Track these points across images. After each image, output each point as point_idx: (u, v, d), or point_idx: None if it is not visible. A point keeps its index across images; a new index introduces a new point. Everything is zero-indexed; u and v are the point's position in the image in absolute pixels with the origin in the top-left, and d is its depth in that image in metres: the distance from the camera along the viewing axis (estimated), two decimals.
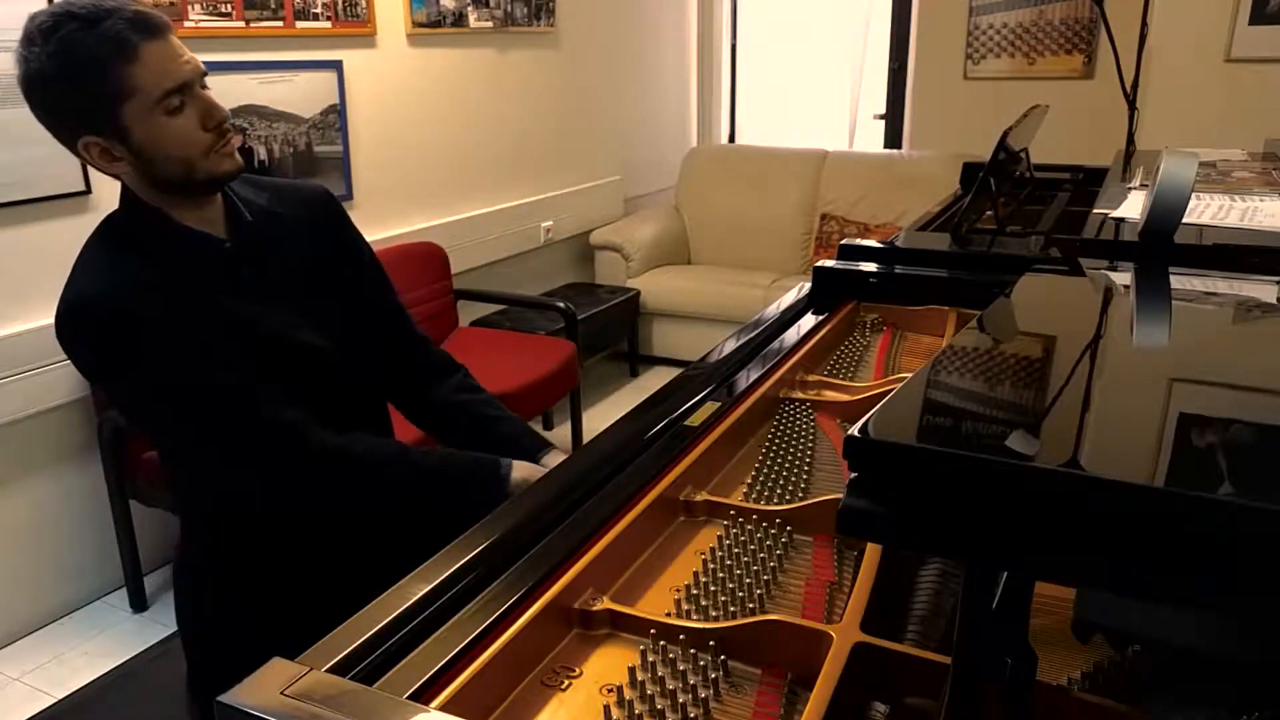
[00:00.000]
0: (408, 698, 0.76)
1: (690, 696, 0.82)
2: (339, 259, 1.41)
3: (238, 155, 1.24)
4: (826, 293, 1.81)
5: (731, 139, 5.58)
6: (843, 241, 1.88)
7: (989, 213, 2.02)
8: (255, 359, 1.25)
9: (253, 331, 1.26)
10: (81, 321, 1.17)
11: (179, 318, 1.19)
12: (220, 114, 1.20)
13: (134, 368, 1.19)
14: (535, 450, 1.48)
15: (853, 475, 0.61)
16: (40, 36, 1.12)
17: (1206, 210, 1.40)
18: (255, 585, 1.37)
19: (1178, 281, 1.07)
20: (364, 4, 3.18)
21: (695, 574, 1.01)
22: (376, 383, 1.47)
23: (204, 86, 1.19)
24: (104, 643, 2.52)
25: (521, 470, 1.37)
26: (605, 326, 4.15)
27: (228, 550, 1.38)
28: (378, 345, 1.46)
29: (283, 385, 1.27)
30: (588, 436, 3.56)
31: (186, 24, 2.64)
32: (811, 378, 1.53)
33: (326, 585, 1.27)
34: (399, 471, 1.33)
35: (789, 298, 1.83)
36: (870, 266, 1.83)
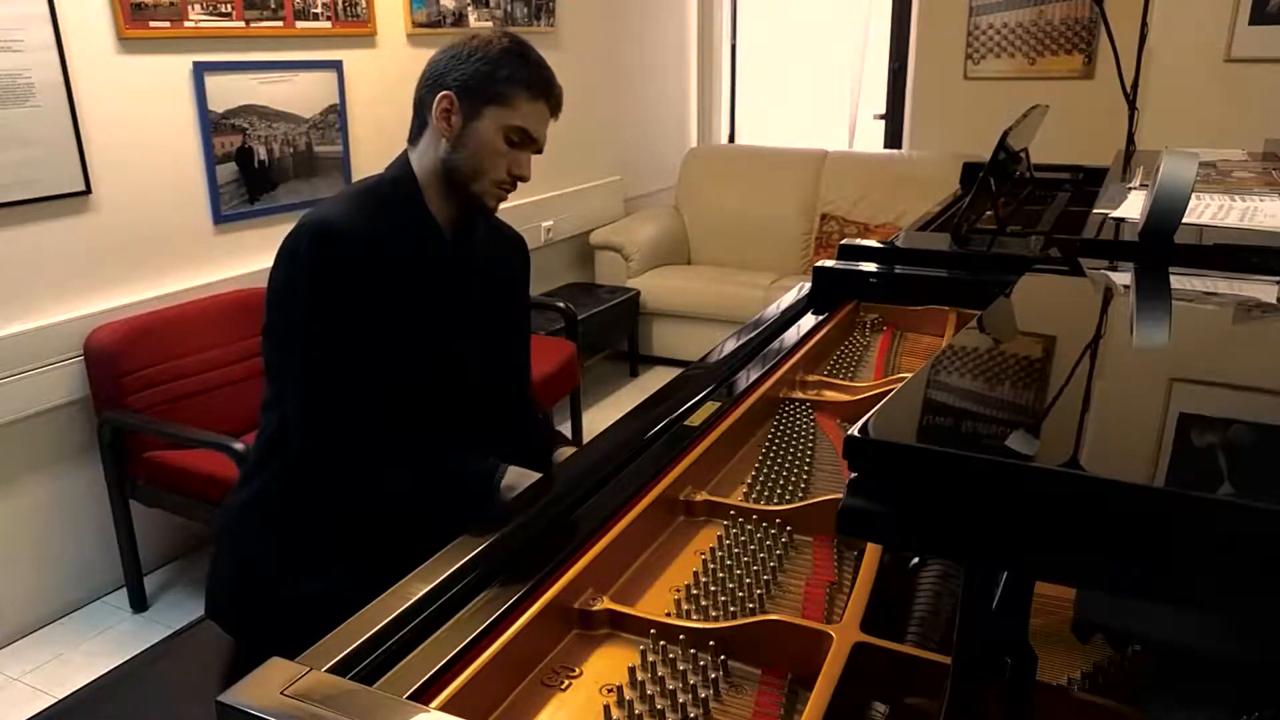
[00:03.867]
0: (408, 698, 0.76)
1: (690, 696, 0.82)
2: (510, 298, 1.60)
3: (496, 206, 1.46)
4: (826, 293, 1.81)
5: (731, 139, 5.58)
6: (843, 241, 1.88)
7: (989, 213, 2.02)
8: (413, 348, 1.40)
9: (432, 326, 1.42)
10: (306, 236, 1.32)
11: (379, 281, 1.34)
12: (523, 176, 1.43)
13: (311, 296, 1.33)
14: (550, 442, 1.61)
15: (853, 475, 0.61)
16: (513, 36, 1.42)
17: (1206, 210, 1.40)
18: (305, 542, 1.41)
19: (1178, 281, 1.07)
20: (364, 4, 3.18)
21: (695, 574, 1.01)
22: (484, 406, 1.59)
23: (534, 154, 1.44)
24: (104, 643, 2.52)
25: (512, 475, 1.43)
26: (605, 326, 4.15)
27: (288, 499, 1.43)
28: (502, 378, 1.61)
29: (417, 376, 1.41)
30: (588, 436, 3.56)
31: (187, 24, 2.64)
32: (811, 378, 1.53)
33: (360, 566, 1.32)
34: (401, 487, 1.41)
35: (789, 298, 1.83)
36: (870, 266, 1.83)
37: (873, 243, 1.86)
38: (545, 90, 1.41)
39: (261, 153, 2.92)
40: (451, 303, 1.45)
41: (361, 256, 1.33)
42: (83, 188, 2.45)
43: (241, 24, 2.78)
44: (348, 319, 1.33)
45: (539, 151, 1.44)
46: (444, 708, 0.76)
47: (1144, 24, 2.89)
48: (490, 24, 3.78)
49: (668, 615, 0.94)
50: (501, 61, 1.38)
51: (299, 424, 1.38)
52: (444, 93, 1.38)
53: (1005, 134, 1.94)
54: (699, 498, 1.14)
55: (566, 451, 1.60)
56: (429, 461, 1.43)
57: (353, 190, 1.43)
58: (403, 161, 1.44)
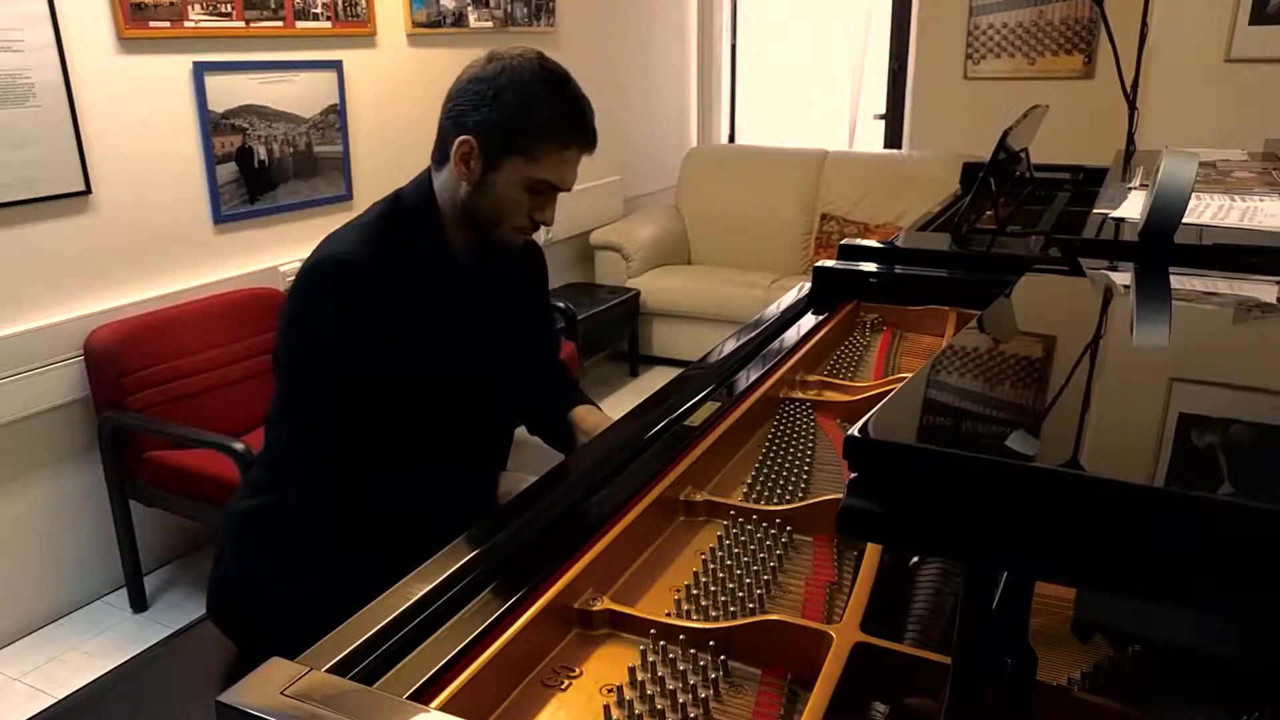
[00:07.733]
0: (408, 698, 0.76)
1: (690, 696, 0.82)
2: (528, 304, 1.55)
3: (519, 244, 1.40)
4: (826, 293, 1.81)
5: (731, 139, 5.58)
6: (843, 241, 1.88)
7: (989, 213, 2.02)
8: (416, 370, 1.33)
9: (450, 350, 1.36)
10: (326, 279, 1.26)
11: (396, 317, 1.29)
12: (547, 221, 1.35)
13: (323, 341, 1.27)
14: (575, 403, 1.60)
15: (853, 475, 0.61)
16: (549, 67, 1.27)
17: (1206, 210, 1.40)
18: (310, 551, 1.40)
19: (1178, 281, 1.07)
20: (364, 4, 3.18)
21: (695, 574, 1.01)
22: (509, 418, 1.57)
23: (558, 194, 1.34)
24: (104, 643, 2.52)
25: (507, 482, 1.40)
26: (605, 326, 4.15)
27: (294, 514, 1.40)
28: (526, 380, 1.56)
29: (427, 401, 1.35)
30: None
31: (187, 24, 2.64)
32: (811, 378, 1.53)
33: (361, 567, 1.32)
34: (407, 498, 1.39)
35: (789, 298, 1.83)
36: (870, 266, 1.83)
37: (873, 243, 1.86)
38: (578, 137, 1.28)
39: (261, 153, 2.92)
40: (470, 326, 1.41)
41: (379, 298, 1.27)
42: (83, 188, 2.45)
43: (241, 24, 2.78)
44: (357, 361, 1.28)
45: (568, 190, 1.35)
46: (444, 708, 0.76)
47: (1144, 24, 2.89)
48: (490, 24, 3.78)
49: (668, 615, 0.94)
50: (529, 107, 1.24)
51: (294, 464, 1.35)
52: (464, 136, 1.27)
53: (1005, 134, 1.94)
54: (699, 498, 1.14)
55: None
56: (434, 472, 1.40)
57: (370, 219, 1.35)
58: (424, 183, 1.37)
